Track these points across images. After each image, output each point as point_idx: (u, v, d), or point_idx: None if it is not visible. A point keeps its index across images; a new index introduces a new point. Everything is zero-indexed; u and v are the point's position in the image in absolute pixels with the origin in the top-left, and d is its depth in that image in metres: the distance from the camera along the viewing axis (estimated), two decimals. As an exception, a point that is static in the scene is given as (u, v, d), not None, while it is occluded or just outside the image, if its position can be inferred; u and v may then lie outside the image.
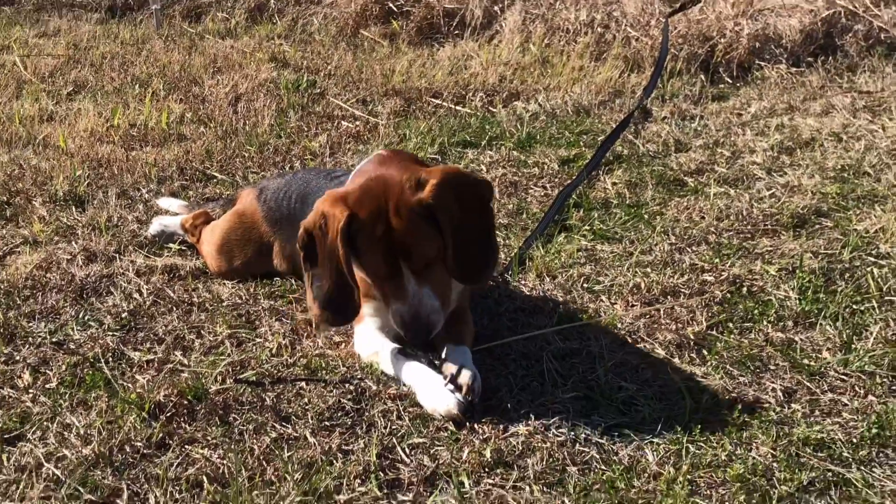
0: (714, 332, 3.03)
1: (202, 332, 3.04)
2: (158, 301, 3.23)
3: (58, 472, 2.35)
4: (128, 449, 2.45)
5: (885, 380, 2.72)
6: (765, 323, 3.06)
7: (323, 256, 2.66)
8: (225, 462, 2.38)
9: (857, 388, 2.71)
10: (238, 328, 3.05)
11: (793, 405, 2.66)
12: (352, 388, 2.72)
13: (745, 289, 3.27)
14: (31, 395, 2.70)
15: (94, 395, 2.69)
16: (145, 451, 2.45)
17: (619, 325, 3.07)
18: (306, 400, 2.66)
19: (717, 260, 3.46)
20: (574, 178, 4.26)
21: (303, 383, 2.74)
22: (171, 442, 2.49)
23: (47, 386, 2.75)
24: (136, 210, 4.05)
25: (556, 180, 4.36)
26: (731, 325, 3.07)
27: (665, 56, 5.92)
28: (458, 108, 5.64)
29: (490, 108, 5.62)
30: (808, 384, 2.73)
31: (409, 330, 2.63)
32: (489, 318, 3.10)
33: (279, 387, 2.72)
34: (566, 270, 3.42)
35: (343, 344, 2.97)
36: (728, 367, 2.84)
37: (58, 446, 2.46)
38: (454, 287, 2.77)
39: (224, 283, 3.38)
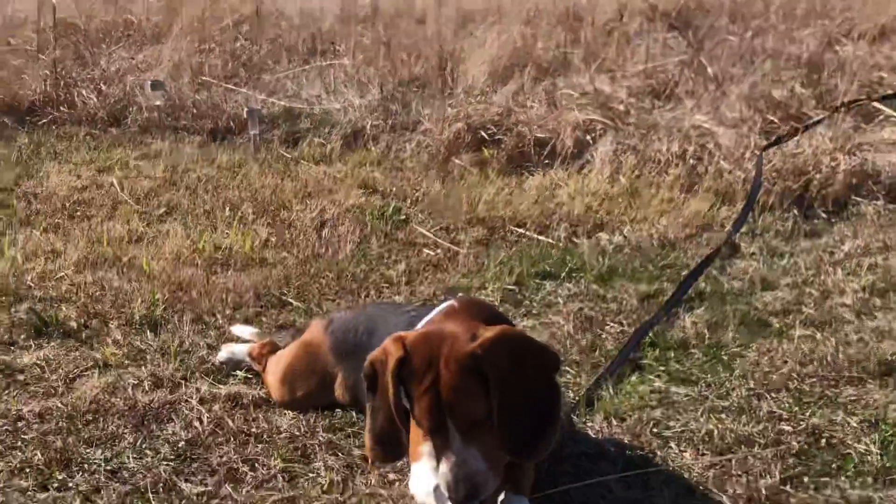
0: (787, 488, 2.90)
1: (256, 464, 3.00)
2: (217, 430, 3.21)
3: None
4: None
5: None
6: (842, 479, 2.93)
7: (380, 391, 2.60)
8: None
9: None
10: (292, 462, 3.02)
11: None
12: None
13: (823, 440, 3.14)
14: (83, 526, 2.62)
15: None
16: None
17: (686, 476, 2.92)
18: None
19: (797, 408, 3.33)
20: (652, 315, 4.13)
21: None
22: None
23: (97, 518, 2.68)
24: (208, 336, 4.04)
25: (634, 317, 4.26)
26: (806, 479, 2.94)
27: (758, 190, 5.82)
28: (540, 237, 5.61)
29: (573, 238, 5.57)
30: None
31: (453, 491, 2.52)
32: (550, 462, 2.99)
33: (335, 529, 2.61)
34: (636, 413, 3.31)
35: (397, 483, 2.88)
36: (806, 530, 2.63)
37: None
38: None
39: (285, 414, 3.35)
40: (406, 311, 3.15)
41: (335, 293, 4.65)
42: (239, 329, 4.07)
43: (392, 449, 2.66)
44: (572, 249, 5.31)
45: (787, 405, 3.35)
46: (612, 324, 4.23)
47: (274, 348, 3.62)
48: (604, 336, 4.11)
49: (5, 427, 3.25)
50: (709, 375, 3.64)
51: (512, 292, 4.65)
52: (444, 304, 2.89)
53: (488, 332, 2.57)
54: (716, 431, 3.18)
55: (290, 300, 4.54)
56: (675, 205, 5.95)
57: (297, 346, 3.47)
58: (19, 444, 3.13)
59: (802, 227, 5.55)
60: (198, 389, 3.52)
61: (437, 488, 2.67)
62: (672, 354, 3.86)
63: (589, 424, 3.29)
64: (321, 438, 3.18)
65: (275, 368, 3.45)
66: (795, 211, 5.77)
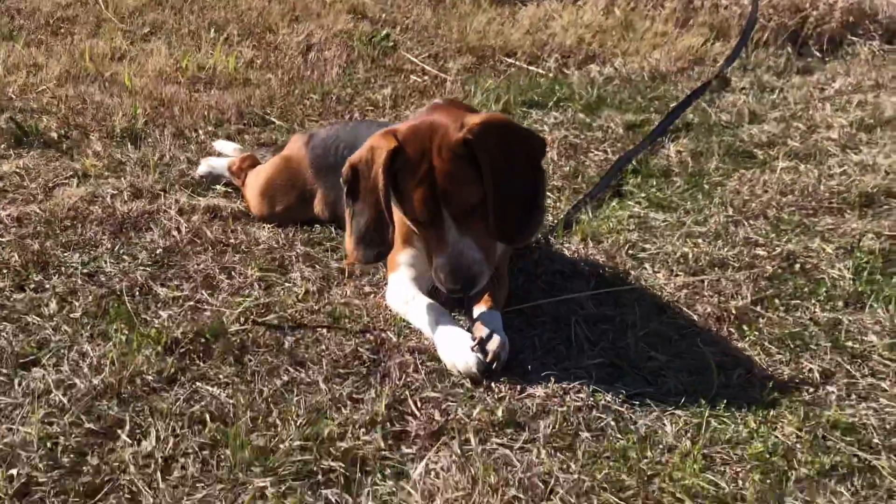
0: (758, 308, 2.90)
1: (233, 273, 3.00)
2: (195, 240, 3.21)
3: (64, 400, 2.33)
4: (138, 382, 2.43)
5: (932, 368, 2.52)
6: (813, 301, 2.92)
7: (365, 191, 2.59)
8: (231, 401, 2.31)
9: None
10: (269, 271, 3.02)
11: (828, 387, 2.53)
12: (371, 338, 2.66)
13: (798, 266, 3.15)
14: (53, 323, 2.68)
15: (116, 327, 2.67)
16: (155, 385, 2.42)
17: (658, 294, 2.95)
18: (324, 347, 2.60)
19: (774, 235, 3.33)
20: (637, 143, 4.11)
21: (323, 330, 2.66)
22: (181, 378, 2.46)
23: (71, 315, 2.74)
24: (188, 150, 4.02)
25: (619, 145, 4.24)
26: (777, 301, 2.94)
27: (753, 25, 5.71)
28: (530, 67, 5.54)
29: (564, 69, 5.50)
30: (848, 367, 2.60)
31: (451, 281, 2.50)
32: (525, 279, 3.02)
33: (299, 332, 2.67)
34: (613, 236, 3.31)
35: (372, 294, 2.90)
36: (767, 343, 2.72)
37: (69, 374, 2.44)
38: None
39: (263, 227, 3.34)
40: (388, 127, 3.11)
41: (318, 114, 4.61)
42: (221, 144, 4.05)
43: (376, 248, 2.64)
44: (562, 80, 5.25)
45: (763, 232, 3.36)
46: (596, 151, 4.21)
47: (254, 163, 3.60)
48: (587, 163, 4.09)
49: (-19, 229, 3.20)
50: (688, 202, 3.63)
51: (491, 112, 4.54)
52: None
53: (476, 119, 2.56)
54: (690, 254, 3.19)
55: (273, 119, 4.50)
56: (669, 39, 5.86)
57: (277, 160, 3.45)
58: (-6, 245, 3.08)
59: (795, 64, 5.48)
60: (177, 201, 3.50)
61: (416, 295, 2.68)
62: (654, 182, 3.84)
63: (566, 245, 3.29)
64: (299, 251, 3.18)
65: (254, 182, 3.43)
66: (789, 48, 5.69)
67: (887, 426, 2.36)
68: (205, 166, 3.70)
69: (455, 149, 2.48)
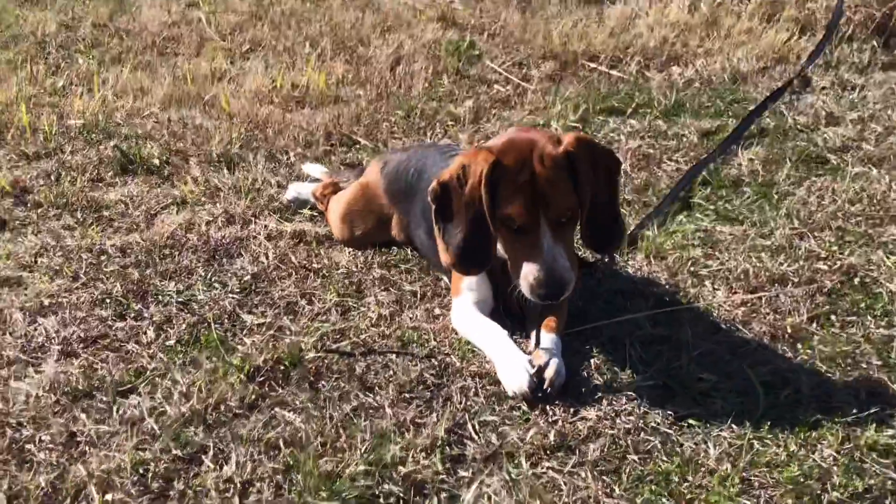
0: (813, 325, 3.03)
1: (313, 298, 3.23)
2: (281, 265, 3.45)
3: (156, 427, 2.58)
4: (222, 408, 2.66)
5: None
6: (869, 318, 3.02)
7: (459, 207, 2.77)
8: (304, 427, 2.55)
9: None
10: (346, 296, 3.24)
11: (872, 408, 2.61)
12: (436, 363, 2.86)
13: (857, 280, 3.24)
14: (150, 352, 2.94)
15: (206, 355, 2.90)
16: (237, 411, 2.65)
17: (716, 313, 3.07)
18: (392, 372, 2.81)
19: (837, 247, 3.43)
20: (707, 153, 4.22)
21: (392, 356, 2.87)
22: (261, 404, 2.69)
23: (167, 343, 2.99)
24: (279, 174, 4.26)
25: (692, 154, 4.35)
26: (833, 318, 3.06)
27: (838, 18, 5.73)
28: (612, 72, 5.66)
29: (645, 72, 5.61)
30: (894, 385, 2.69)
31: (544, 287, 2.68)
32: (586, 300, 3.19)
33: (370, 358, 2.87)
34: (677, 252, 3.44)
35: (441, 317, 3.10)
36: (818, 362, 2.84)
37: (162, 402, 2.69)
38: None
39: (344, 251, 3.57)
40: (453, 154, 3.30)
41: (403, 131, 4.82)
42: (309, 167, 4.29)
43: (479, 258, 2.83)
44: (642, 84, 5.36)
45: (827, 244, 3.45)
46: (668, 161, 4.33)
47: (336, 189, 3.82)
48: (659, 174, 4.21)
49: (90, 260, 3.53)
50: (755, 214, 3.73)
51: (573, 129, 4.71)
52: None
53: (570, 136, 2.78)
54: (751, 270, 3.30)
55: (359, 139, 4.71)
56: (753, 35, 5.92)
57: (356, 187, 3.67)
58: (101, 276, 3.41)
59: (880, 59, 5.50)
60: (265, 226, 3.75)
61: (478, 317, 2.95)
62: (724, 193, 3.96)
63: (630, 263, 3.42)
64: (375, 274, 3.40)
65: (335, 208, 3.66)
66: (875, 41, 5.66)
67: (924, 448, 2.40)
68: (292, 192, 3.95)
69: (557, 159, 2.70)
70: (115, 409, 2.70)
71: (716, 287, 3.23)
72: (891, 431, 2.52)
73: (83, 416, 2.64)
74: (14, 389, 2.77)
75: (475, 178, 2.70)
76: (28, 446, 2.54)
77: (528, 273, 2.69)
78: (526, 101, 5.19)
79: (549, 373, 2.70)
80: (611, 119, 4.87)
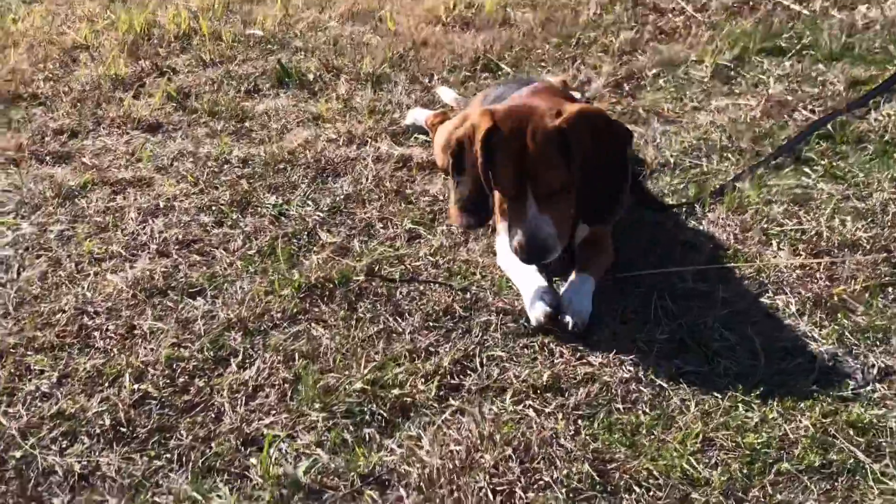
0: (866, 296, 2.98)
1: (390, 223, 3.48)
2: (374, 189, 3.71)
3: (203, 328, 2.93)
4: (265, 317, 2.98)
5: None
6: (925, 294, 2.93)
7: (468, 163, 2.94)
8: (327, 342, 2.84)
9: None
10: (420, 224, 3.46)
11: (878, 385, 2.63)
12: (469, 295, 3.06)
13: (933, 253, 3.13)
14: (231, 259, 3.28)
15: (276, 266, 3.22)
16: (277, 322, 2.96)
17: (766, 274, 3.10)
18: (425, 300, 3.03)
19: (930, 216, 3.30)
20: (840, 107, 4.14)
21: (432, 285, 3.10)
22: (301, 318, 2.98)
23: (248, 252, 3.33)
24: (414, 96, 4.50)
25: (831, 104, 4.24)
26: (890, 290, 3.01)
27: None
28: (795, 6, 5.49)
29: (831, 10, 5.40)
30: (910, 366, 2.60)
31: (524, 251, 2.85)
32: (645, 249, 3.28)
33: (411, 285, 3.11)
34: (759, 207, 3.43)
35: (493, 255, 3.29)
36: (847, 334, 2.82)
37: (220, 307, 3.03)
38: None
39: (439, 179, 3.77)
40: (531, 85, 3.42)
41: (553, 61, 4.92)
42: (442, 91, 4.51)
43: (477, 215, 3.00)
44: (820, 23, 5.18)
45: (922, 213, 3.34)
46: (802, 110, 4.24)
47: (444, 118, 4.02)
48: (788, 123, 4.14)
49: (213, 168, 3.92)
50: (862, 174, 3.65)
51: (725, 68, 4.71)
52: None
53: (572, 108, 2.85)
54: (825, 233, 3.27)
55: (503, 66, 4.87)
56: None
57: (459, 118, 3.85)
58: (216, 184, 3.78)
59: None
60: (377, 149, 4.01)
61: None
62: (844, 149, 3.87)
63: (709, 214, 3.47)
64: (455, 205, 3.59)
65: (439, 137, 3.86)
66: None
67: (905, 431, 2.38)
68: (410, 117, 4.19)
69: (549, 135, 2.79)
70: (179, 307, 3.02)
71: (780, 247, 3.21)
72: (879, 411, 2.50)
73: (149, 311, 3.01)
74: (106, 282, 3.15)
75: (476, 142, 2.83)
76: (95, 333, 2.92)
77: (514, 236, 2.85)
78: (690, 34, 5.11)
79: (567, 317, 2.80)
80: (766, 60, 4.76)
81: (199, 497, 2.35)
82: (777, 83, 4.48)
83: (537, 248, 2.82)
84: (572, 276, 2.97)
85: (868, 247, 3.17)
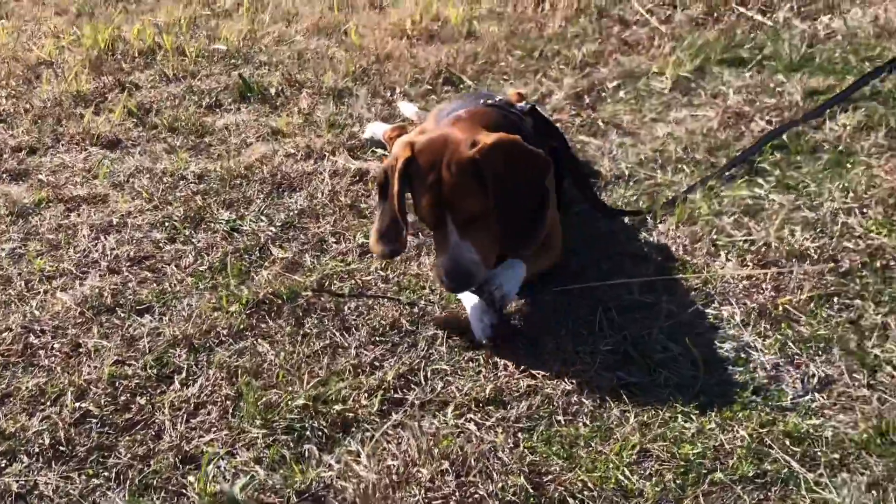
0: (811, 306, 2.99)
1: (343, 238, 3.49)
2: (328, 203, 3.72)
3: (147, 346, 2.93)
4: (212, 334, 2.98)
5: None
6: (871, 304, 2.98)
7: (389, 193, 2.97)
8: (272, 359, 2.85)
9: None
10: (372, 240, 3.45)
11: (817, 395, 2.64)
12: (417, 310, 3.06)
13: (879, 262, 3.16)
14: (182, 276, 3.29)
15: (226, 282, 3.23)
16: (223, 339, 2.96)
17: (713, 285, 3.11)
18: (373, 315, 3.04)
19: (876, 227, 3.34)
20: (793, 118, 4.18)
21: (380, 300, 3.11)
22: (248, 334, 2.99)
23: (200, 268, 3.34)
24: (376, 111, 4.53)
25: (787, 115, 4.26)
26: (835, 300, 3.02)
27: None
28: (759, 17, 5.52)
29: (793, 21, 5.43)
30: (853, 375, 2.70)
31: (448, 280, 2.88)
32: (592, 260, 3.30)
33: (360, 300, 3.12)
34: (709, 219, 3.45)
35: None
36: (790, 343, 2.84)
37: (167, 323, 3.04)
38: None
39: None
40: (489, 100, 3.44)
41: (515, 74, 4.94)
42: (403, 106, 4.52)
43: (392, 244, 3.03)
44: (782, 33, 5.21)
45: (870, 223, 3.37)
46: (759, 121, 4.27)
47: (402, 132, 4.03)
48: (744, 134, 4.16)
49: (169, 184, 3.93)
50: (814, 184, 3.67)
51: (685, 80, 4.73)
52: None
53: (487, 139, 2.88)
54: (774, 243, 3.29)
55: (466, 79, 4.89)
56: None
57: (415, 132, 3.86)
58: (170, 200, 3.78)
59: None
60: (334, 163, 4.02)
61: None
62: (798, 159, 3.88)
63: (659, 226, 3.48)
64: (410, 219, 3.59)
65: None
66: None
67: (839, 441, 2.46)
68: (369, 131, 4.20)
69: (463, 165, 2.83)
70: (126, 325, 3.03)
71: (728, 258, 3.23)
72: (816, 420, 2.51)
73: (95, 329, 3.01)
74: (55, 300, 3.16)
75: (394, 172, 2.86)
76: (39, 352, 2.93)
77: (437, 264, 2.89)
78: (653, 46, 5.14)
79: (490, 288, 2.89)
80: (727, 71, 4.79)
81: (135, 515, 2.31)
82: (735, 94, 4.50)
83: (461, 275, 2.85)
84: (506, 262, 2.98)
85: (816, 257, 3.19)
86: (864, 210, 3.45)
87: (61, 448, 2.56)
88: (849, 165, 3.77)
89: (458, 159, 2.81)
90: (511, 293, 2.92)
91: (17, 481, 2.46)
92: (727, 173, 3.80)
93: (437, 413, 2.66)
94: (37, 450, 2.55)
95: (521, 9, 5.81)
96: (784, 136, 4.02)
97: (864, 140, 3.94)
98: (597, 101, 4.61)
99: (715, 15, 5.63)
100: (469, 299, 2.99)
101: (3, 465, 2.52)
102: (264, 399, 2.67)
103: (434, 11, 5.70)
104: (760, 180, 3.72)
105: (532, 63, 5.03)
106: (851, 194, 3.54)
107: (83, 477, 2.48)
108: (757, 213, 3.49)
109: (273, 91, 4.75)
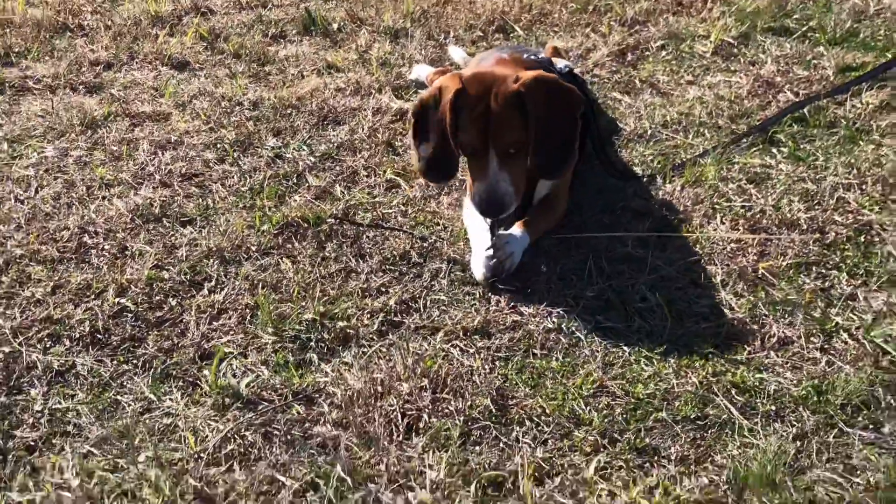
0: (790, 273, 3.23)
1: (374, 172, 3.83)
2: (366, 139, 4.05)
3: (184, 255, 3.32)
4: (242, 249, 3.35)
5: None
6: (845, 274, 3.20)
7: (433, 123, 3.25)
8: (291, 276, 3.20)
9: (852, 354, 2.87)
10: (401, 175, 3.80)
11: (773, 353, 2.91)
12: (426, 244, 3.40)
13: (862, 237, 3.37)
14: (225, 194, 3.66)
15: (261, 203, 3.60)
16: (252, 255, 3.32)
17: (701, 246, 3.37)
18: (387, 246, 3.38)
19: (869, 204, 3.54)
20: (818, 92, 4.35)
21: (395, 232, 3.45)
22: (274, 252, 3.35)
23: (242, 188, 3.71)
24: (426, 53, 4.81)
25: (815, 87, 4.46)
26: (814, 269, 3.25)
27: None
28: (819, -15, 5.63)
29: (854, -8, 5.54)
30: (810, 339, 2.94)
31: (484, 206, 3.17)
32: (596, 212, 3.56)
33: (377, 231, 3.47)
34: (717, 184, 3.71)
35: (457, 208, 3.62)
36: (760, 305, 3.10)
37: (205, 236, 3.42)
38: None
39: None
40: (519, 51, 3.72)
41: (565, 26, 5.20)
42: (453, 50, 4.81)
43: (444, 171, 3.31)
44: (833, 6, 5.35)
45: (864, 199, 3.57)
46: (787, 92, 4.47)
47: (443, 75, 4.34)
48: (770, 103, 4.38)
49: (226, 108, 4.29)
50: (823, 158, 3.89)
51: (728, 45, 4.92)
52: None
53: (529, 75, 3.16)
54: (767, 212, 3.53)
55: (517, 28, 5.16)
56: None
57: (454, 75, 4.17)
58: (225, 123, 4.15)
59: None
60: (378, 101, 4.35)
61: (473, 213, 3.35)
62: (814, 132, 4.10)
63: (667, 186, 3.76)
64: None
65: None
66: None
67: (780, 395, 2.72)
68: (415, 72, 4.51)
69: (509, 97, 3.11)
70: (169, 234, 3.42)
71: (722, 222, 3.48)
72: (764, 375, 2.78)
73: (142, 234, 3.40)
74: (111, 206, 3.57)
75: (444, 103, 3.14)
76: (91, 251, 3.33)
77: (475, 191, 3.17)
78: (706, 7, 5.33)
79: (498, 254, 3.17)
80: (770, 39, 4.94)
81: (154, 398, 2.72)
82: (773, 63, 4.66)
83: (496, 204, 3.14)
84: (513, 227, 3.28)
85: (805, 227, 3.41)
86: (863, 186, 3.64)
87: (98, 336, 2.93)
88: (861, 142, 3.94)
89: (505, 91, 3.10)
90: (517, 261, 3.23)
91: (59, 360, 2.83)
92: (744, 141, 3.98)
93: (427, 337, 2.95)
94: (77, 335, 2.93)
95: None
96: (806, 110, 4.17)
97: (882, 120, 4.09)
98: (638, 59, 4.82)
99: (776, -24, 5.69)
100: (476, 239, 3.27)
101: (48, 346, 2.90)
102: (278, 310, 3.01)
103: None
104: (774, 150, 3.92)
105: (584, 17, 5.24)
106: (854, 171, 3.74)
107: (114, 362, 2.85)
108: (762, 182, 3.71)
109: (335, 26, 5.03)
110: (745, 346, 2.90)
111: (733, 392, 2.72)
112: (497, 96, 3.09)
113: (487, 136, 3.11)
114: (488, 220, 3.26)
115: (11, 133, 3.98)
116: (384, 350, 2.88)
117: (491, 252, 3.16)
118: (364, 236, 3.37)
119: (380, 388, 2.71)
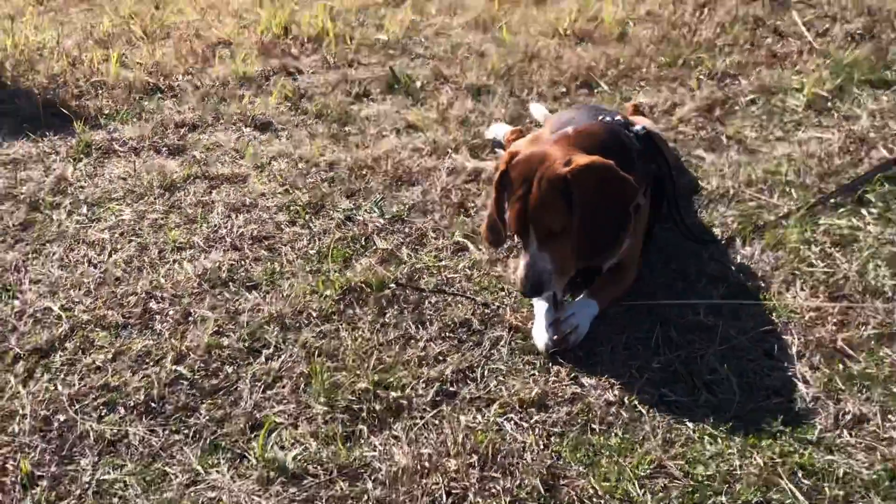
0: (872, 343, 3.08)
1: (442, 234, 3.79)
2: (439, 200, 4.02)
3: (245, 321, 3.32)
4: (303, 315, 3.33)
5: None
6: (924, 347, 3.03)
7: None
8: (348, 343, 3.17)
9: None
10: (469, 237, 3.75)
11: (847, 432, 2.76)
12: (489, 311, 3.34)
13: (952, 307, 3.21)
14: (293, 258, 3.67)
15: (326, 267, 3.59)
16: (312, 320, 3.31)
17: (778, 314, 3.24)
18: (448, 312, 3.32)
19: (967, 269, 3.36)
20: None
21: (458, 298, 3.40)
22: (334, 318, 3.32)
23: (310, 252, 3.71)
24: (507, 110, 4.78)
25: (909, 145, 4.27)
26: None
27: None
28: (924, 39, 5.44)
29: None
30: (887, 416, 2.80)
31: (522, 284, 3.12)
32: (670, 278, 3.46)
33: (438, 296, 3.42)
34: (796, 246, 3.56)
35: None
36: (837, 378, 2.96)
37: (268, 301, 3.42)
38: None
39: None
40: (602, 114, 3.64)
41: (654, 80, 5.10)
42: (535, 108, 4.75)
43: (496, 237, 3.34)
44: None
45: (957, 265, 3.40)
46: (882, 149, 4.29)
47: (520, 136, 4.29)
48: (862, 160, 4.21)
49: (303, 170, 4.31)
50: (914, 220, 3.71)
51: (822, 99, 4.76)
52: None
53: (582, 161, 3.09)
54: (851, 278, 3.38)
55: (602, 84, 5.08)
56: None
57: (533, 136, 4.11)
58: (300, 185, 4.17)
59: None
60: (454, 160, 4.31)
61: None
62: (911, 192, 3.91)
63: (746, 249, 3.62)
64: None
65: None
66: None
67: (849, 479, 2.58)
68: (491, 132, 4.46)
69: (553, 182, 3.06)
70: (234, 299, 3.43)
71: (801, 289, 3.33)
72: (834, 457, 2.63)
73: (207, 300, 3.41)
74: (180, 270, 3.60)
75: (494, 179, 3.16)
76: (156, 316, 3.35)
77: (517, 268, 3.14)
78: (800, 61, 5.19)
79: (563, 327, 3.11)
80: (866, 92, 4.77)
81: (201, 470, 2.70)
82: (868, 118, 4.48)
83: (534, 283, 3.08)
84: (581, 296, 3.19)
85: (890, 294, 3.23)
86: (957, 251, 3.43)
87: (153, 404, 2.94)
88: (958, 204, 3.74)
89: (550, 176, 3.05)
90: (583, 332, 3.14)
91: (111, 429, 2.84)
92: (832, 201, 3.82)
93: (482, 408, 2.88)
94: (132, 403, 2.95)
95: (680, 12, 5.85)
96: (897, 168, 3.99)
97: None
98: (727, 114, 4.69)
99: (873, 32, 5.51)
100: (540, 307, 3.19)
101: (102, 414, 2.91)
102: (332, 379, 2.97)
103: (592, 11, 5.83)
104: (863, 211, 3.75)
105: (673, 71, 5.13)
106: (952, 232, 3.53)
107: (166, 432, 2.84)
108: (847, 246, 3.56)
109: (418, 84, 5.02)
110: (817, 424, 2.75)
111: (800, 475, 2.59)
112: (541, 181, 3.05)
113: (527, 220, 3.05)
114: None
115: (92, 196, 4.04)
116: (436, 422, 2.80)
117: (553, 321, 3.03)
118: (426, 301, 3.31)
119: (427, 465, 2.63)
